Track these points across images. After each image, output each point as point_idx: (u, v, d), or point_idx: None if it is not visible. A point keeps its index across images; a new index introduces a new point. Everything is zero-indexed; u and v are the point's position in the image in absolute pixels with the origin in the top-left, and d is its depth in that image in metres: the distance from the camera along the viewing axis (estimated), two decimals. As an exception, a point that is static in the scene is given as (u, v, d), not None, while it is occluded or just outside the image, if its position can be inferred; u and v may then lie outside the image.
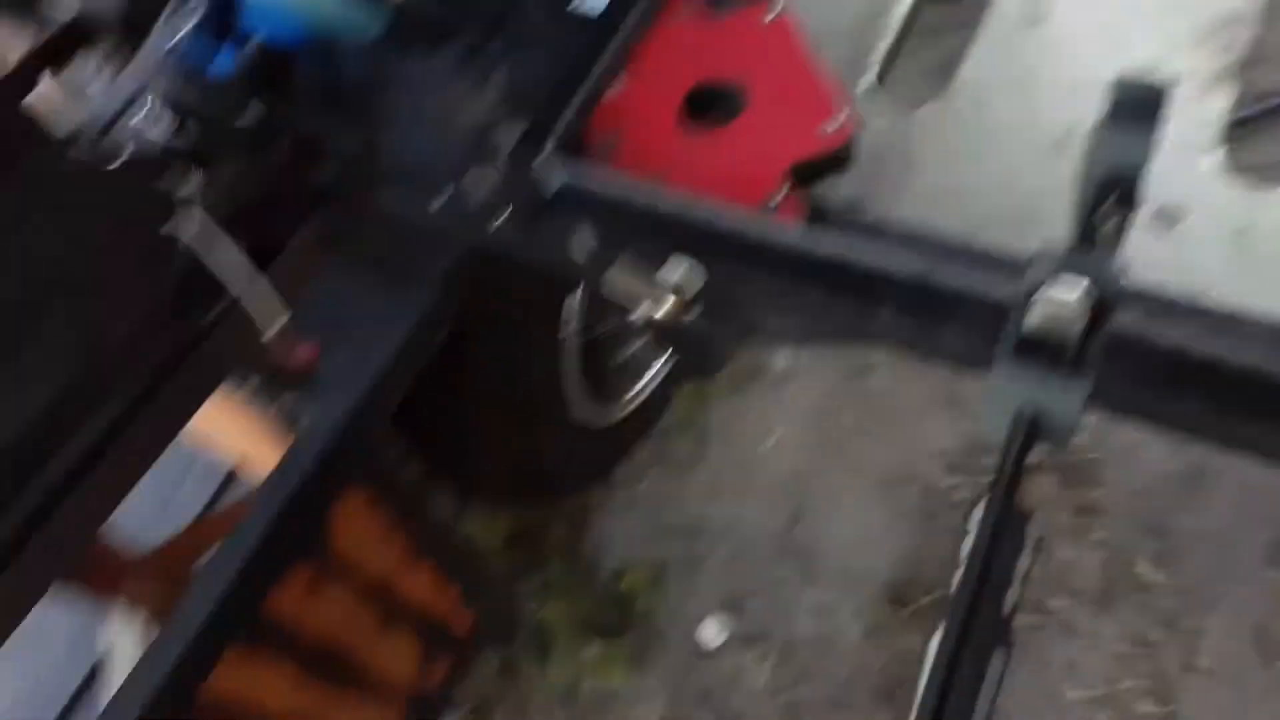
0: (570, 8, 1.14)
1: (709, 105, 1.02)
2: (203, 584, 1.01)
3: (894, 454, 1.96)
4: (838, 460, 1.99)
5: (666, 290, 0.84)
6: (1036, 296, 0.64)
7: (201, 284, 0.97)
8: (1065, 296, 0.62)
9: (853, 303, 0.72)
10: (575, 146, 0.89)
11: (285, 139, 1.12)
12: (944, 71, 0.93)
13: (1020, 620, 1.73)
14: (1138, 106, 0.68)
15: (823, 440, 2.01)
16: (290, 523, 1.06)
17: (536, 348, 1.57)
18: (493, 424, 1.57)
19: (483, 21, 1.18)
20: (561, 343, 1.63)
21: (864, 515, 1.93)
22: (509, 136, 1.08)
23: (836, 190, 0.89)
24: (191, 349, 1.00)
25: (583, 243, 0.84)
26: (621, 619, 1.96)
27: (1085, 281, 0.63)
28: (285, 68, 1.25)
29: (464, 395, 1.46)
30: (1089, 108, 0.85)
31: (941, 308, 0.71)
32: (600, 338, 1.76)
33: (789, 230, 0.79)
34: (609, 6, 1.07)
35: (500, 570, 2.06)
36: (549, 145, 0.84)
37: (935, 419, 1.94)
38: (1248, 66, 0.87)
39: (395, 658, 1.40)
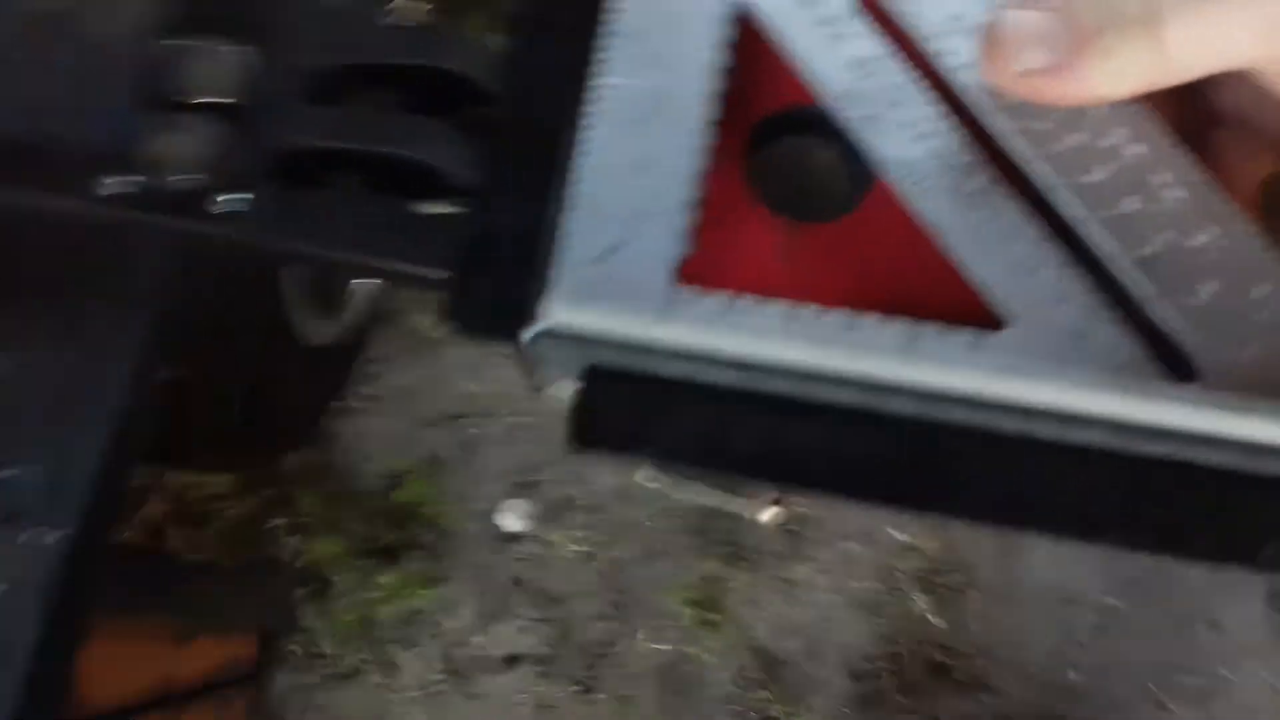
0: None
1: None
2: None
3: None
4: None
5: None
6: None
7: None
8: None
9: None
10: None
11: None
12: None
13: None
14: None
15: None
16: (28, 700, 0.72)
17: (251, 291, 1.19)
18: (220, 395, 1.20)
19: None
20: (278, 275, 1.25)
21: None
22: (230, 64, 0.68)
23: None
24: None
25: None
26: (406, 535, 1.73)
27: None
28: None
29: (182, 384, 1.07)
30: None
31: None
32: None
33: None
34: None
35: (244, 514, 1.72)
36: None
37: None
38: None
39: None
